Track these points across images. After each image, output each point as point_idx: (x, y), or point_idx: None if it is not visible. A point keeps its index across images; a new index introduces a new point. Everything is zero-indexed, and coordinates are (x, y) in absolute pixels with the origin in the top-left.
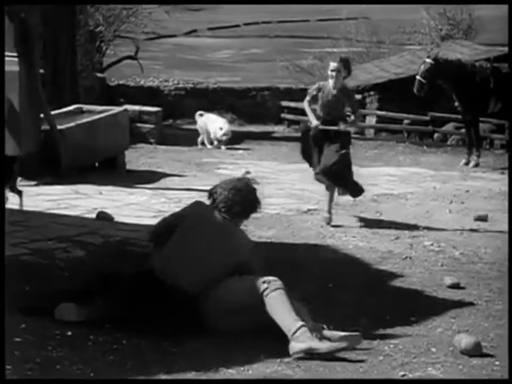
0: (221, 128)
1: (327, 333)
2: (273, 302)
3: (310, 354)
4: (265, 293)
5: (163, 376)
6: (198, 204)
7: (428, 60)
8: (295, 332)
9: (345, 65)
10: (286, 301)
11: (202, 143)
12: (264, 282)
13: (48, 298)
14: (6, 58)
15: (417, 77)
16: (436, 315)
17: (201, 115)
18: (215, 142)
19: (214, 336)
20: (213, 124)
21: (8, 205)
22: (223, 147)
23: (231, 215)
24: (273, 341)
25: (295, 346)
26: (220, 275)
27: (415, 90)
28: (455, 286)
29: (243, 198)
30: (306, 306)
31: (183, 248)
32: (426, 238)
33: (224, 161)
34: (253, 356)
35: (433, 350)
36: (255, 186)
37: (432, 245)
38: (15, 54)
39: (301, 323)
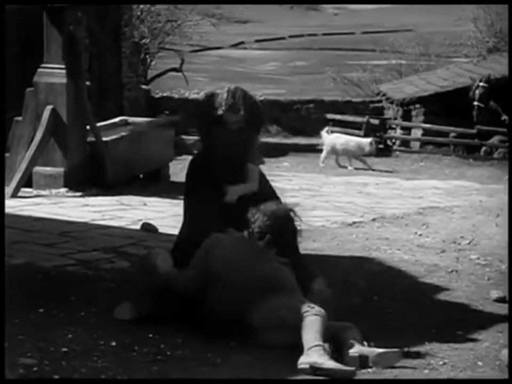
0: (371, 144)
1: (365, 349)
2: (307, 324)
3: (314, 369)
4: (305, 314)
5: None
6: (213, 244)
7: (482, 84)
8: (310, 348)
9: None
10: (318, 326)
11: (340, 165)
12: (308, 306)
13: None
14: (54, 70)
15: (475, 103)
16: (482, 329)
17: (327, 132)
18: (347, 162)
19: (260, 349)
20: (349, 141)
21: (55, 217)
22: (349, 167)
23: (261, 241)
24: None
25: (303, 359)
26: (253, 299)
27: (475, 117)
28: (502, 300)
29: (279, 227)
30: (356, 329)
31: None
32: (473, 251)
33: (269, 173)
34: (298, 369)
35: (480, 364)
36: (295, 216)
37: (478, 258)
38: (63, 66)
39: (318, 342)
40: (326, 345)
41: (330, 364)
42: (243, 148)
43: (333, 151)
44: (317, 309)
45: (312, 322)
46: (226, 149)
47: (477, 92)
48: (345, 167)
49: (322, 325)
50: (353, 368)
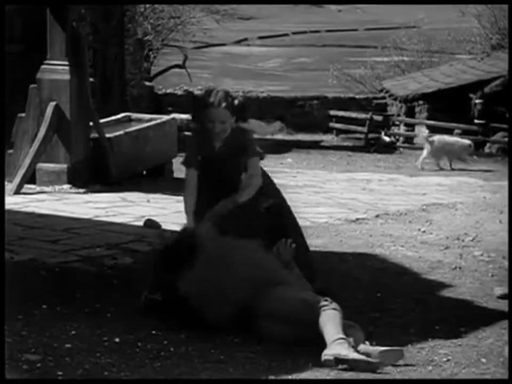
0: (471, 145)
1: (368, 348)
2: (327, 317)
3: (338, 360)
4: (323, 308)
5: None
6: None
7: (478, 101)
8: (334, 341)
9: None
10: (338, 319)
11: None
12: (326, 300)
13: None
14: (58, 67)
15: (476, 121)
16: (486, 326)
17: (427, 135)
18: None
19: (264, 344)
20: (455, 143)
21: (59, 213)
22: (449, 167)
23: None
24: (322, 350)
25: (327, 351)
26: (248, 297)
27: (480, 134)
28: (506, 297)
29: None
30: (360, 330)
31: (207, 279)
32: (476, 248)
33: (273, 169)
34: (302, 364)
35: (483, 360)
36: None
37: (482, 255)
38: (67, 63)
39: (341, 335)
40: (351, 339)
41: (354, 355)
42: (237, 155)
43: (438, 153)
44: (334, 304)
45: (331, 316)
46: (220, 161)
47: (475, 109)
48: (448, 169)
49: (341, 319)
50: (377, 360)
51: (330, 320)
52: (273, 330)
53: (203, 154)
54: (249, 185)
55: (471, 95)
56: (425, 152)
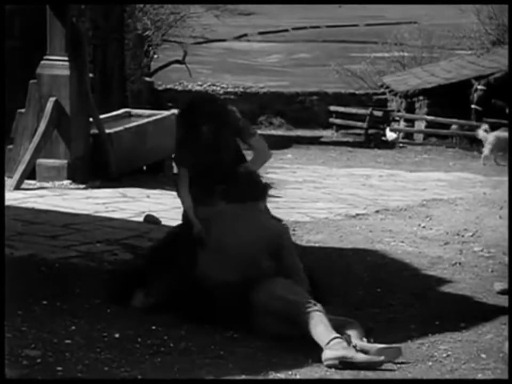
0: None
1: (366, 345)
2: (315, 320)
3: (344, 363)
4: (308, 310)
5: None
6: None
7: (480, 87)
8: (329, 342)
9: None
10: (326, 320)
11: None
12: (309, 302)
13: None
14: (57, 62)
15: (473, 106)
16: (485, 321)
17: (487, 131)
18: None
19: (264, 340)
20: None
21: (59, 209)
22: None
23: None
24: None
25: (328, 353)
26: (257, 258)
27: (474, 120)
28: (505, 292)
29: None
30: (359, 326)
31: (214, 250)
32: (476, 243)
33: (273, 165)
34: (302, 360)
35: (483, 356)
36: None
37: (482, 250)
38: (66, 58)
39: (335, 335)
40: (346, 336)
41: (360, 357)
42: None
43: (497, 148)
44: (318, 305)
45: (317, 317)
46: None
47: (475, 94)
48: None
49: (326, 319)
50: (382, 358)
51: (318, 322)
52: (266, 325)
53: (194, 153)
54: (260, 156)
55: (473, 81)
56: (487, 148)
